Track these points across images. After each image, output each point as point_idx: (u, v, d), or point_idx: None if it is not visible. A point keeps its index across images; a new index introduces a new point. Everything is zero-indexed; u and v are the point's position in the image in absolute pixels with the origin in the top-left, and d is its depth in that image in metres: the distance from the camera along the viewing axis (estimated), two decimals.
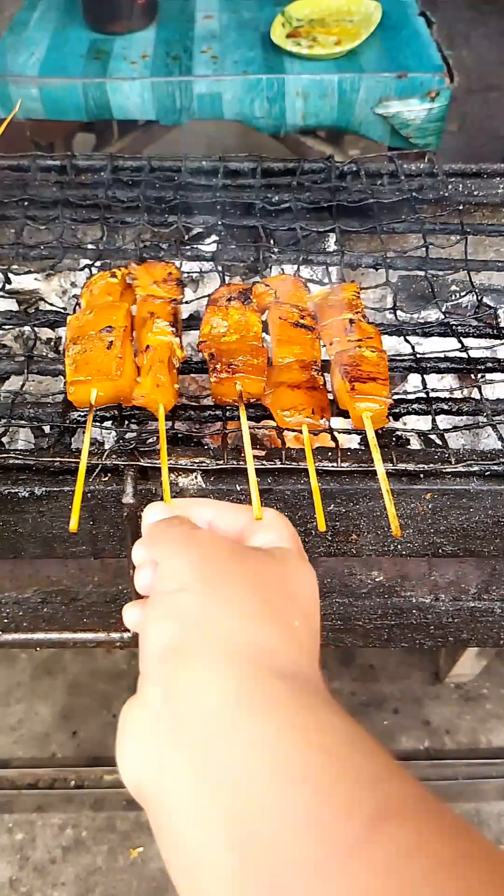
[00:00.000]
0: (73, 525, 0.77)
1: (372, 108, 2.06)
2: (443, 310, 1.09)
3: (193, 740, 0.41)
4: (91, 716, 2.31)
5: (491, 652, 2.15)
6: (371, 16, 2.15)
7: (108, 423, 0.97)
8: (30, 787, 2.19)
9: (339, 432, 0.91)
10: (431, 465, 0.88)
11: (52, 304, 1.14)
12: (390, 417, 0.93)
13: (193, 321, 1.09)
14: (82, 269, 1.13)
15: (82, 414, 0.94)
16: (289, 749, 0.39)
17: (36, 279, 1.29)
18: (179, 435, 0.94)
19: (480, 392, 0.94)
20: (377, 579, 1.07)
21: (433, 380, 1.21)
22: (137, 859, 2.10)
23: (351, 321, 0.97)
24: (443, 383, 1.25)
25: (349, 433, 0.92)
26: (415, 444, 1.14)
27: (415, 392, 0.97)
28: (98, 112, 2.03)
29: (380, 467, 0.81)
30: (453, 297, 1.28)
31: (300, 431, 0.87)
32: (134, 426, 0.94)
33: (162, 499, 0.93)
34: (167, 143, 2.38)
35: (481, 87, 3.89)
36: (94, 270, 1.12)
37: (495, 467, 0.88)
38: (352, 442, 1.12)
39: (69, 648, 1.13)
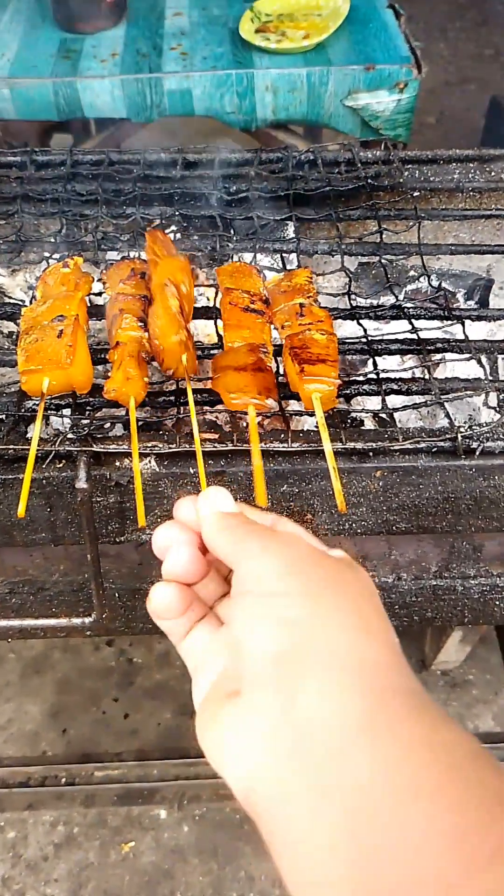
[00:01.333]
0: (21, 510, 0.78)
1: (341, 101, 2.07)
2: (399, 294, 1.11)
3: (317, 757, 0.41)
4: (80, 713, 2.32)
5: (475, 638, 2.16)
6: (339, 9, 2.17)
7: (66, 412, 0.98)
8: (21, 785, 2.19)
9: (291, 414, 0.92)
10: (380, 443, 0.90)
11: (11, 298, 1.15)
12: (342, 399, 0.94)
13: None
14: (40, 262, 1.15)
15: (37, 403, 0.95)
16: (417, 768, 0.39)
17: (0, 275, 1.30)
18: (141, 423, 0.95)
19: (429, 372, 0.96)
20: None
21: (394, 362, 1.22)
22: (129, 854, 2.11)
23: (301, 305, 0.98)
24: (408, 365, 1.26)
25: (301, 415, 0.93)
26: (369, 424, 1.15)
27: (367, 374, 0.98)
28: (70, 111, 2.04)
29: (327, 445, 0.82)
30: (413, 283, 1.29)
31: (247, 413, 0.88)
32: (88, 412, 0.95)
33: (117, 485, 0.95)
34: (141, 140, 2.39)
35: (458, 80, 3.92)
36: (52, 263, 1.14)
37: (442, 444, 0.90)
38: (310, 424, 1.14)
39: (39, 638, 1.14)
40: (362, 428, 1.03)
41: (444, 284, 1.30)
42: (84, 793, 2.16)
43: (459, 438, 0.89)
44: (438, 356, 1.05)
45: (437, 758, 0.40)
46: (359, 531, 0.98)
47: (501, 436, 0.91)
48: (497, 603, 1.14)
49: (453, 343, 1.01)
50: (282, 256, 1.18)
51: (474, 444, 0.90)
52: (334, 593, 0.48)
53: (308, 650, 0.45)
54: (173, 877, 2.05)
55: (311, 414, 0.93)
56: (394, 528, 0.98)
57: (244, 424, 0.93)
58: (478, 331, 1.20)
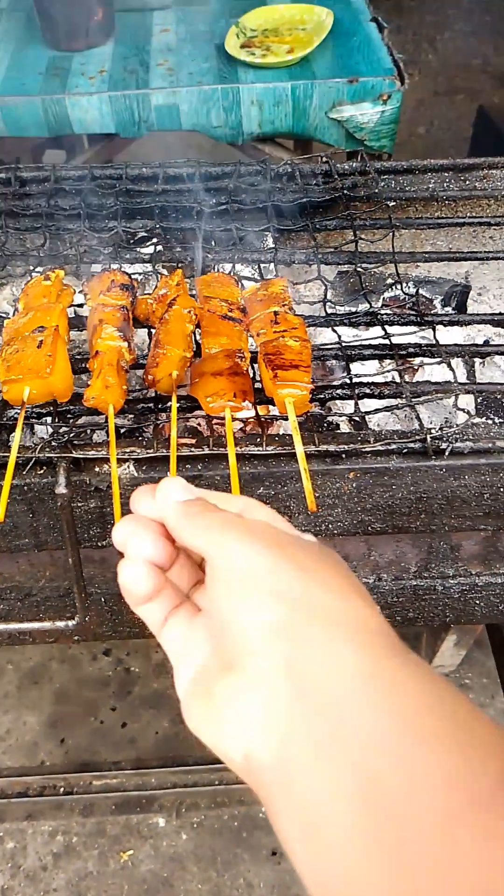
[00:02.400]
0: (0, 515, 0.80)
1: (326, 113, 2.10)
2: (375, 301, 1.13)
3: (320, 710, 0.43)
4: (78, 723, 2.33)
5: (469, 641, 2.17)
6: (323, 23, 2.20)
7: (47, 420, 1.00)
8: (19, 795, 2.21)
9: (266, 418, 0.94)
10: (352, 445, 0.92)
11: None
12: (317, 403, 0.96)
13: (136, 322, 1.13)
14: (24, 276, 1.17)
15: (18, 412, 0.98)
16: (417, 716, 0.42)
17: None
18: (123, 429, 0.98)
19: (401, 375, 0.98)
20: None
21: (373, 368, 1.24)
22: (128, 862, 2.12)
23: (276, 313, 1.01)
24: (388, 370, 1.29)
25: (276, 419, 0.96)
26: (345, 428, 1.17)
27: (340, 379, 1.01)
28: (59, 127, 2.08)
29: (299, 448, 0.85)
30: (391, 290, 1.32)
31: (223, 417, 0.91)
32: (70, 420, 0.98)
33: (96, 489, 0.97)
34: (132, 154, 2.43)
35: (448, 90, 3.96)
36: (36, 276, 1.16)
37: (413, 445, 0.92)
38: (286, 428, 1.16)
39: (27, 644, 1.16)
40: (336, 431, 1.05)
41: (421, 291, 1.33)
42: (82, 802, 2.18)
43: (429, 440, 0.91)
44: (414, 361, 1.07)
45: (434, 708, 0.42)
46: (335, 532, 1.01)
47: (470, 436, 0.93)
48: (477, 602, 1.16)
49: (425, 347, 1.03)
50: (260, 266, 1.21)
51: (444, 445, 0.92)
52: (319, 566, 0.50)
53: (303, 616, 0.46)
54: (172, 885, 2.06)
55: (285, 418, 0.95)
56: (369, 528, 1.00)
57: (223, 431, 0.96)
58: (454, 336, 1.23)
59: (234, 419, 0.91)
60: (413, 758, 0.40)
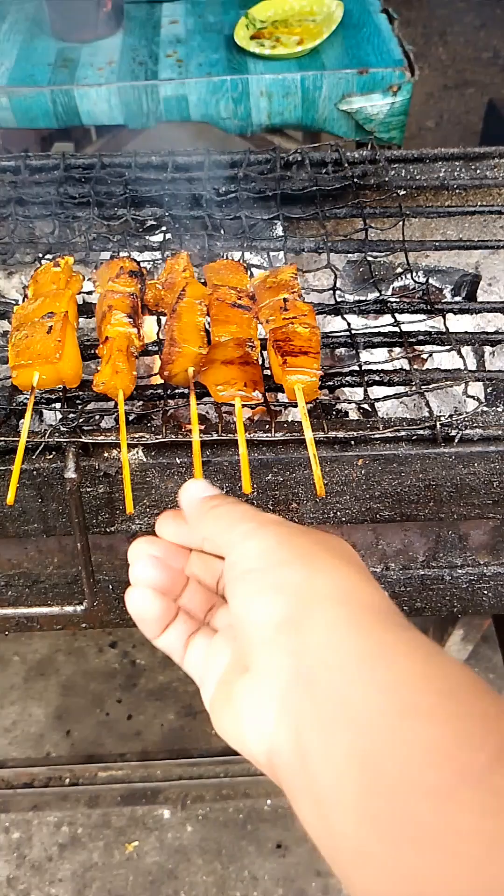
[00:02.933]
0: (10, 498, 0.80)
1: (335, 105, 2.10)
2: (384, 290, 1.13)
3: (328, 696, 0.44)
4: (84, 715, 2.34)
5: (476, 636, 2.16)
6: (332, 14, 2.20)
7: (56, 405, 1.00)
8: (25, 786, 2.21)
9: (275, 405, 0.94)
10: (361, 432, 0.92)
11: (6, 298, 1.18)
12: (326, 391, 0.96)
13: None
14: (33, 263, 1.17)
15: (28, 397, 0.98)
16: (414, 692, 0.43)
17: None
18: (131, 415, 0.98)
19: (411, 363, 0.98)
20: None
21: (383, 356, 1.24)
22: (133, 854, 2.12)
23: (285, 300, 1.01)
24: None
25: (286, 406, 0.95)
26: (354, 415, 1.17)
27: (349, 367, 1.00)
28: (67, 118, 2.08)
29: (308, 433, 0.85)
30: (401, 279, 1.32)
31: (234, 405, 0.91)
32: (79, 405, 0.98)
33: (105, 475, 0.97)
34: (140, 145, 2.43)
35: (457, 83, 3.95)
36: (45, 263, 1.16)
37: (421, 432, 0.92)
38: (295, 415, 1.16)
39: (35, 630, 1.16)
40: (345, 418, 1.05)
41: (431, 280, 1.32)
42: (88, 793, 2.18)
43: (438, 426, 0.91)
44: (424, 349, 1.07)
45: (432, 682, 0.43)
46: (343, 519, 1.00)
47: (480, 424, 0.93)
48: (485, 592, 1.15)
49: (434, 335, 1.03)
50: (268, 255, 1.21)
51: (453, 432, 0.92)
52: (326, 553, 0.51)
53: (307, 607, 0.47)
54: (177, 877, 2.06)
55: (296, 405, 0.95)
56: (377, 515, 1.00)
57: (231, 418, 0.96)
58: (464, 324, 1.22)
59: (243, 406, 0.91)
60: (406, 733, 0.41)
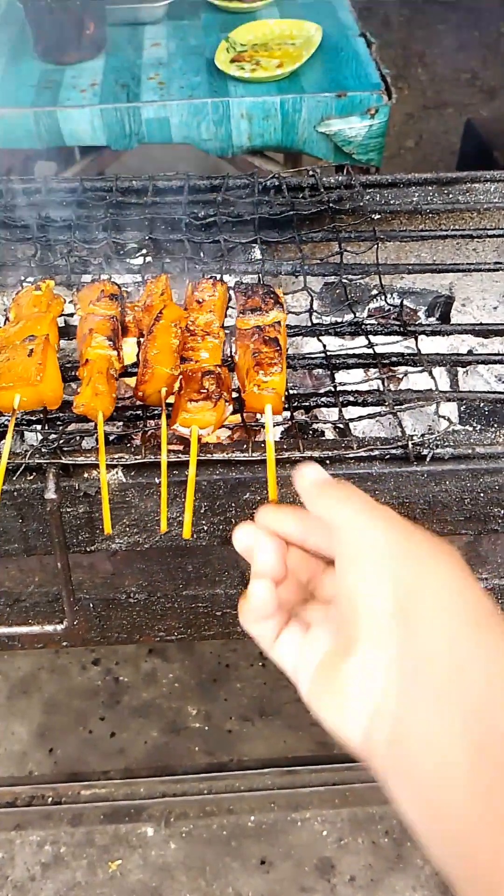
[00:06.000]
0: None
1: (314, 127, 2.14)
2: (360, 311, 1.15)
3: (438, 676, 0.48)
4: (67, 733, 2.33)
5: None
6: (312, 38, 2.24)
7: (36, 427, 1.02)
8: (8, 805, 2.20)
9: (253, 426, 0.96)
10: (336, 451, 0.94)
11: None
12: (302, 410, 0.98)
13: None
14: (15, 286, 1.19)
15: (8, 418, 0.99)
16: None
17: None
18: (111, 436, 1.00)
19: (384, 384, 1.00)
20: None
21: (359, 377, 1.27)
22: (116, 872, 2.11)
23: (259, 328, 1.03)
24: (372, 379, 1.31)
25: (257, 427, 0.97)
26: (329, 435, 1.19)
27: (324, 387, 1.03)
28: (50, 139, 2.10)
29: (269, 436, 0.87)
30: (375, 301, 1.34)
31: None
32: (59, 427, 0.99)
33: (85, 495, 0.98)
34: (121, 167, 2.45)
35: (436, 104, 4.01)
36: (27, 286, 1.18)
37: (395, 451, 0.94)
38: (275, 435, 1.18)
39: (16, 650, 1.17)
40: (321, 438, 1.07)
41: (406, 302, 1.35)
42: (71, 812, 2.17)
43: (410, 446, 0.93)
44: (399, 370, 1.10)
45: None
46: None
47: (451, 443, 0.95)
48: None
49: (407, 356, 1.05)
50: (240, 277, 1.23)
51: (425, 451, 0.94)
52: (436, 555, 0.55)
53: (420, 600, 0.51)
54: (161, 894, 2.05)
55: (278, 425, 0.97)
56: None
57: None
58: (438, 345, 1.25)
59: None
60: None
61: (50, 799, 2.20)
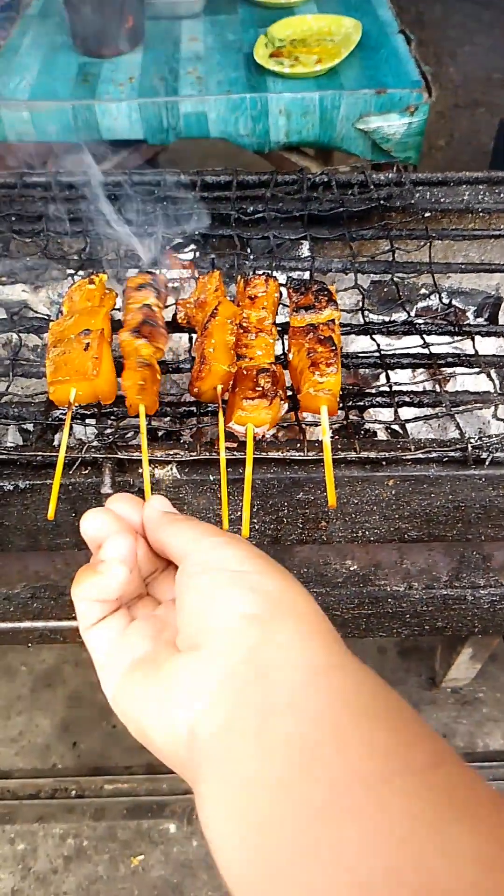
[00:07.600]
0: (51, 513, 0.82)
1: (353, 124, 2.12)
2: (410, 310, 1.14)
3: (276, 686, 0.47)
4: (91, 727, 2.33)
5: (485, 655, 2.17)
6: (351, 35, 2.22)
7: (89, 420, 1.02)
8: (31, 797, 2.20)
9: (307, 425, 0.95)
10: (392, 452, 0.93)
11: (37, 313, 1.19)
12: (357, 410, 0.97)
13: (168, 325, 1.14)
14: (64, 279, 1.19)
15: (64, 412, 0.99)
16: (360, 702, 0.46)
17: (24, 291, 1.34)
18: (160, 432, 0.99)
19: (440, 385, 0.99)
20: (351, 568, 1.11)
21: (405, 376, 1.25)
22: (138, 867, 2.11)
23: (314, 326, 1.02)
24: (419, 379, 1.30)
25: (312, 425, 0.97)
26: (382, 435, 1.18)
27: (379, 387, 1.02)
28: (87, 133, 2.10)
29: (326, 438, 0.86)
30: (424, 300, 1.33)
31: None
32: (112, 422, 0.99)
33: (139, 491, 0.98)
34: (157, 161, 2.45)
35: (468, 103, 3.98)
36: (77, 279, 1.18)
37: (452, 454, 0.93)
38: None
39: (58, 643, 1.17)
40: (375, 439, 1.06)
41: (454, 302, 1.34)
42: (94, 806, 2.17)
43: (470, 449, 0.92)
44: (449, 370, 1.08)
45: (376, 696, 0.47)
46: (372, 539, 1.01)
47: None
48: None
49: (463, 357, 1.04)
50: (288, 274, 1.22)
51: (484, 455, 0.93)
52: (287, 575, 0.55)
53: (277, 614, 0.51)
54: (182, 891, 2.05)
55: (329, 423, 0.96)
56: (405, 535, 1.01)
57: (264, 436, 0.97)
58: (487, 346, 1.24)
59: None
60: (351, 730, 0.44)
61: (73, 792, 2.20)
